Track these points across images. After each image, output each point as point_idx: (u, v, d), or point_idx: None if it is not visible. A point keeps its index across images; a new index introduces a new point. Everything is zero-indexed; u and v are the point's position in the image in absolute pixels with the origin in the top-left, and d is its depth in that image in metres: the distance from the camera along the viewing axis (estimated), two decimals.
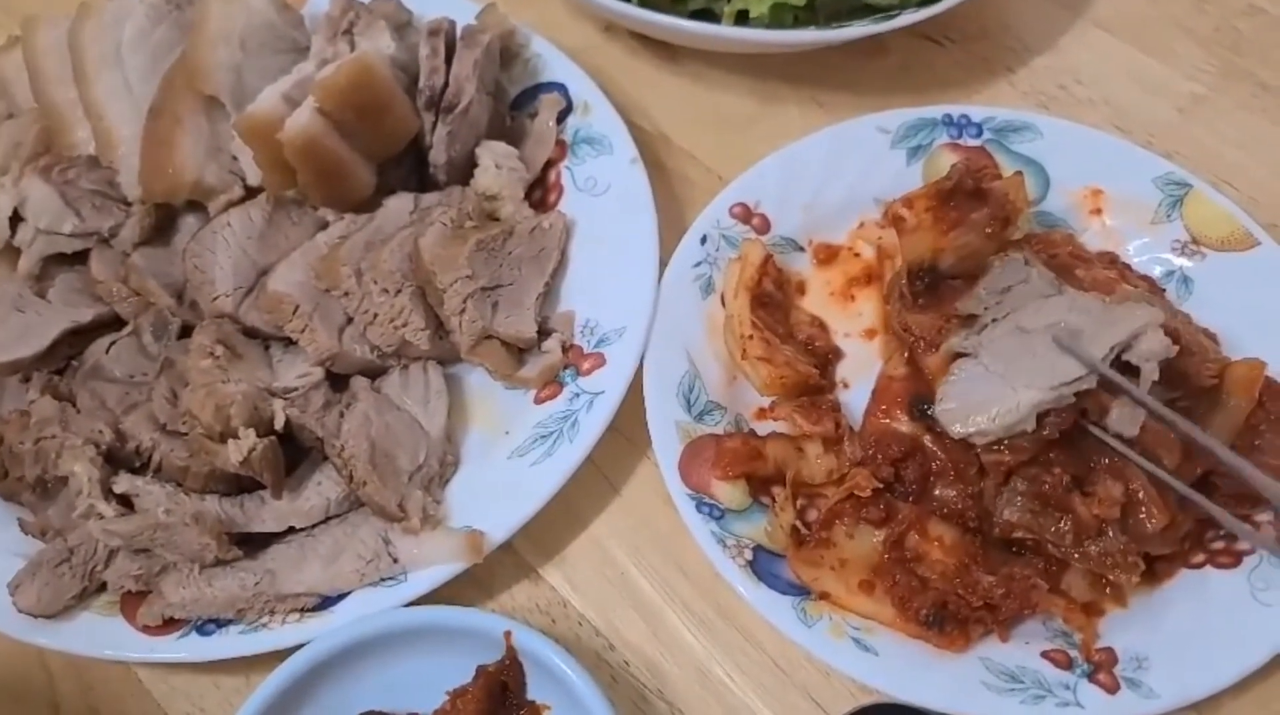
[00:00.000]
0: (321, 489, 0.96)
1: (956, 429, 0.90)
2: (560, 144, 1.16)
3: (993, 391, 0.89)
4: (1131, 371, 0.89)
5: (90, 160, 1.11)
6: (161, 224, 1.10)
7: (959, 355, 0.94)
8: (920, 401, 0.98)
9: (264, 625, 0.92)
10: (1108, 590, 0.91)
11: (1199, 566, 0.92)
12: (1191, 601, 0.90)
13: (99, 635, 0.93)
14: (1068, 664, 0.88)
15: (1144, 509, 0.88)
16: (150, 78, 1.12)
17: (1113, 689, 0.86)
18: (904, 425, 0.97)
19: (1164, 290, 1.04)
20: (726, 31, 1.18)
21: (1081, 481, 0.90)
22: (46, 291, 1.07)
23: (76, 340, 1.05)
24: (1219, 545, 0.93)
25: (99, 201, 1.09)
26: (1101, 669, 0.87)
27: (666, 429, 0.98)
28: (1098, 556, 0.88)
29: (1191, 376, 0.93)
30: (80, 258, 1.09)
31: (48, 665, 0.98)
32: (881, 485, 0.95)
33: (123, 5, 1.15)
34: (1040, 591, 0.90)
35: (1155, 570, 0.92)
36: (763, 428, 1.02)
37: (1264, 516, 0.92)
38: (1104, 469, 0.89)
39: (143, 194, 1.07)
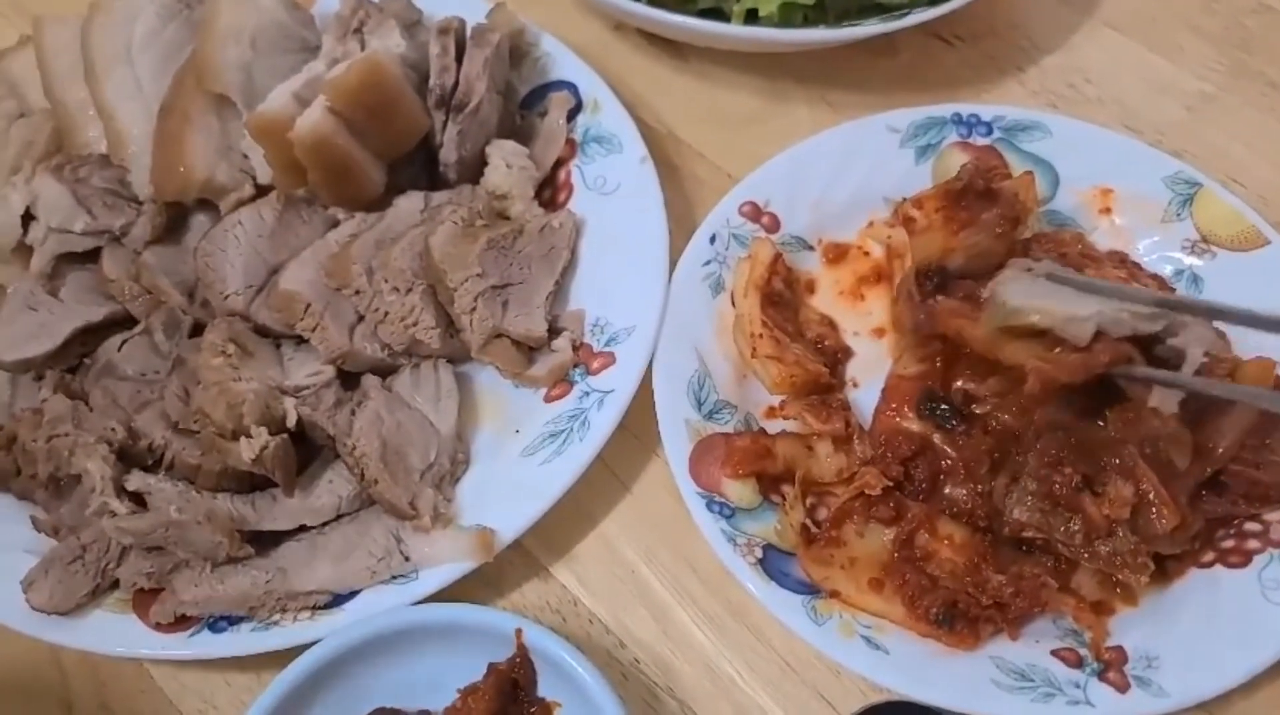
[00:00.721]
0: (333, 487, 0.96)
1: (1013, 300, 0.91)
2: (570, 142, 1.16)
3: (1055, 293, 0.91)
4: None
5: (102, 159, 1.12)
6: (173, 222, 1.10)
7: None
8: (930, 400, 0.98)
9: (275, 623, 0.92)
10: (1118, 589, 0.91)
11: (1209, 566, 0.92)
12: (1202, 601, 0.89)
13: (111, 633, 0.93)
14: (1078, 662, 0.88)
15: (1154, 509, 0.88)
16: (161, 76, 1.13)
17: (1123, 688, 0.86)
18: (914, 424, 0.98)
19: (1174, 289, 1.04)
20: (736, 30, 1.18)
21: (1092, 481, 0.90)
22: (58, 290, 1.07)
23: (89, 339, 1.05)
24: (1229, 544, 0.93)
25: (110, 200, 1.09)
26: (1111, 667, 0.87)
27: (676, 427, 0.98)
28: (1107, 557, 0.88)
29: (1202, 376, 0.93)
30: (92, 256, 1.09)
31: (61, 662, 0.99)
32: (891, 484, 0.95)
33: (133, 4, 1.16)
34: (1050, 590, 0.90)
35: (1165, 569, 0.92)
36: (773, 426, 1.02)
37: (1275, 516, 0.92)
38: (1114, 469, 0.89)
39: (154, 192, 1.08)
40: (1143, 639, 0.88)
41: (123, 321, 1.06)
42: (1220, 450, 0.91)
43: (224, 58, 1.10)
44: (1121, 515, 0.87)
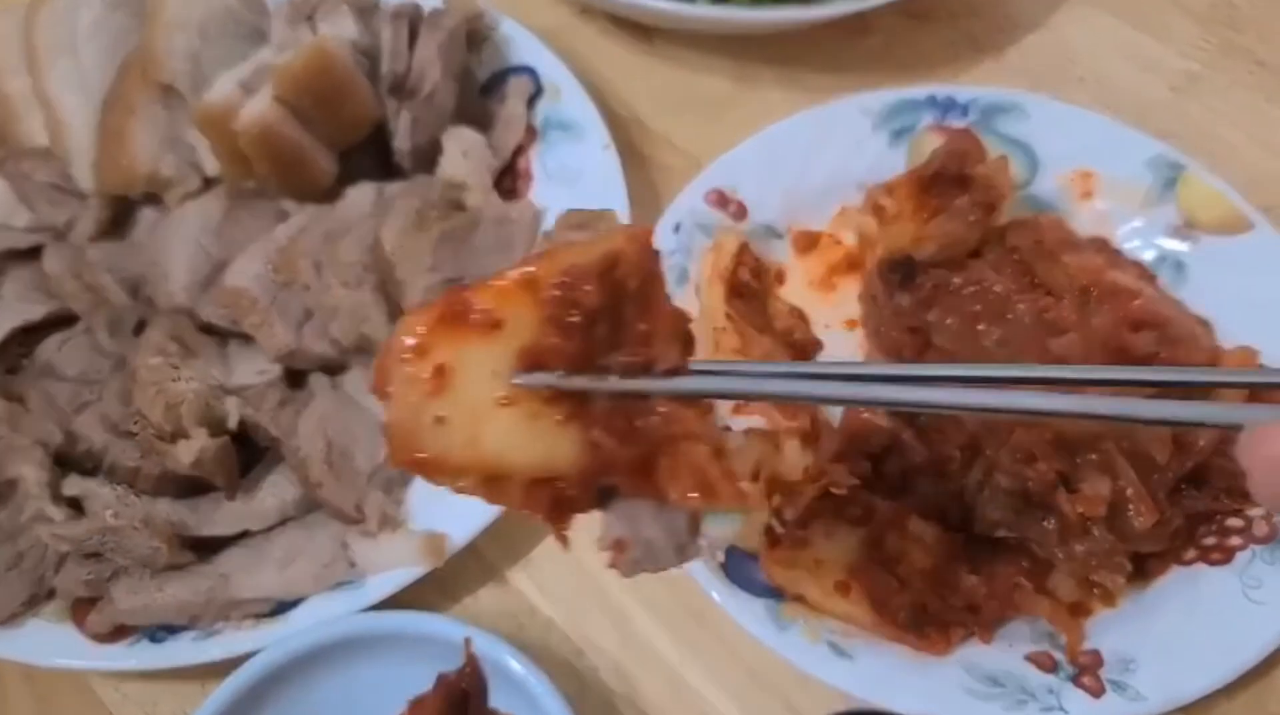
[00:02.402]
0: (277, 490, 0.93)
1: None
2: (530, 130, 1.12)
3: None
4: None
5: (45, 153, 1.08)
6: (118, 217, 1.06)
7: None
8: None
9: (217, 631, 0.89)
10: (1095, 590, 0.87)
11: (1190, 564, 0.88)
12: (1181, 601, 0.86)
13: (49, 643, 0.90)
14: (1052, 667, 0.84)
15: (1132, 507, 0.84)
16: (106, 66, 1.09)
17: (1098, 692, 0.82)
18: (883, 420, 0.94)
19: (1155, 276, 1.00)
20: (704, 11, 1.14)
21: (1067, 478, 0.86)
22: (0, 289, 1.04)
23: (29, 338, 1.01)
24: (1211, 541, 0.89)
25: (54, 195, 1.06)
26: (1086, 672, 0.84)
27: None
28: (1083, 557, 0.84)
29: (1184, 365, 0.90)
30: (35, 253, 1.05)
31: None
32: (860, 482, 0.91)
33: None
34: (1025, 592, 0.87)
35: (1145, 569, 0.88)
36: (738, 423, 0.98)
37: (1258, 511, 0.88)
38: (1090, 465, 0.85)
39: (97, 186, 1.04)
40: (1120, 641, 0.85)
41: (66, 320, 1.03)
42: (1201, 443, 0.87)
43: (170, 46, 1.06)
44: (1097, 513, 0.84)
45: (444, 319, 0.57)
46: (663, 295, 0.60)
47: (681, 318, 0.61)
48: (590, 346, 0.58)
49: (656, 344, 0.59)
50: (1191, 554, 0.89)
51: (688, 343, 0.61)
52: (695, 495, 0.58)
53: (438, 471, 0.58)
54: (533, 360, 0.57)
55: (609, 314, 0.58)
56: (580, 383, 0.57)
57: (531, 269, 0.58)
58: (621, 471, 0.58)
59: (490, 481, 0.58)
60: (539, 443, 0.58)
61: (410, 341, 0.57)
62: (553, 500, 0.59)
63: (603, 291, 0.57)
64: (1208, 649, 0.83)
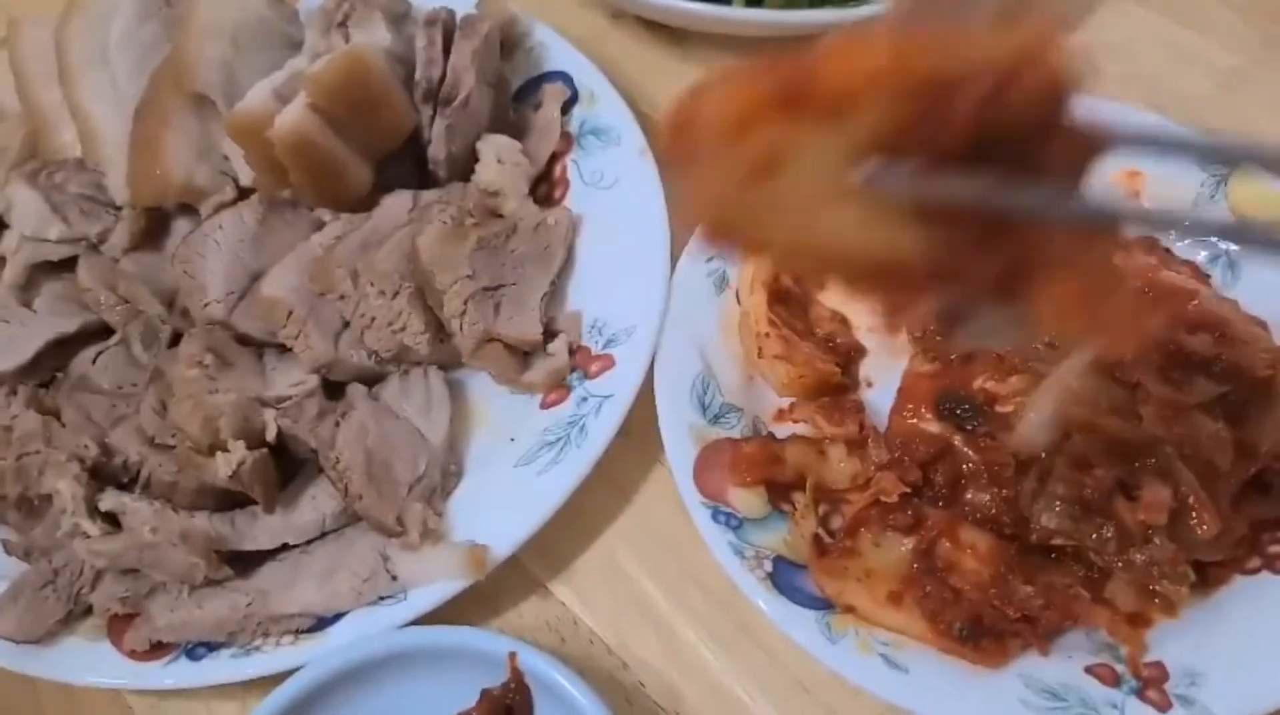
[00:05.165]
0: (316, 503, 0.91)
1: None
2: (566, 136, 1.11)
3: None
4: None
5: (78, 163, 1.08)
6: (152, 228, 1.05)
7: None
8: (949, 400, 0.92)
9: (256, 648, 0.87)
10: (1156, 600, 0.85)
11: (1255, 572, 0.85)
12: (1248, 611, 0.83)
13: (84, 661, 0.88)
14: (1114, 680, 0.82)
15: (1194, 514, 0.81)
16: (138, 76, 1.08)
17: (1164, 707, 0.79)
18: (933, 425, 0.92)
19: (1209, 276, 0.98)
20: (738, 14, 1.13)
21: (1126, 484, 0.84)
22: (33, 301, 1.03)
23: (63, 351, 1.00)
24: (1276, 549, 0.86)
25: (87, 206, 1.05)
26: (1151, 685, 0.81)
27: (679, 433, 0.92)
28: (1144, 566, 0.82)
29: (1245, 368, 0.87)
30: (68, 265, 1.05)
31: (36, 692, 0.94)
32: (909, 490, 0.89)
33: (109, 3, 1.12)
34: (1082, 602, 0.84)
35: (1207, 577, 0.85)
36: (782, 431, 0.96)
37: None
38: (1150, 471, 0.83)
39: (131, 197, 1.03)
40: (1185, 653, 0.82)
41: (99, 333, 1.02)
42: (1265, 448, 0.85)
43: (203, 55, 1.06)
44: (1158, 521, 0.81)
45: (781, 98, 0.49)
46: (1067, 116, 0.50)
47: (1087, 150, 0.50)
48: (959, 150, 0.49)
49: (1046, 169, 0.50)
50: (1255, 563, 0.86)
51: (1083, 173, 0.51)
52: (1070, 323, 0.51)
53: (759, 252, 0.54)
54: (886, 153, 0.49)
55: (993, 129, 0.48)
56: (945, 188, 0.48)
57: (903, 49, 0.48)
58: (976, 283, 0.51)
59: (824, 265, 0.53)
60: (882, 237, 0.50)
61: (731, 115, 0.50)
62: (896, 287, 0.53)
63: (991, 104, 0.48)
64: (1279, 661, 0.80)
